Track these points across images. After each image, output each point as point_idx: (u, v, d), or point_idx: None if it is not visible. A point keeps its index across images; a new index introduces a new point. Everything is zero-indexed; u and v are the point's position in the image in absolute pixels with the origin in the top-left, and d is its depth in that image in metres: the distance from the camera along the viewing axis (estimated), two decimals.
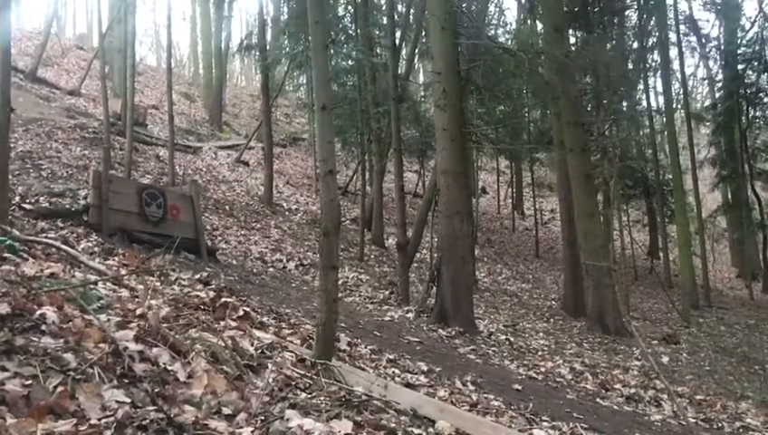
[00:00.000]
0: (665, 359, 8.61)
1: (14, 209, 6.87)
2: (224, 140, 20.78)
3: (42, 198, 7.84)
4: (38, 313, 2.51)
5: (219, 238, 10.13)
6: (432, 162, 14.99)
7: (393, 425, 2.65)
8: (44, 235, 5.84)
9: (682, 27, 17.65)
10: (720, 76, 20.80)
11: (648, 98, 17.76)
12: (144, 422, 1.94)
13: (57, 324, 2.49)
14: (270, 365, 2.98)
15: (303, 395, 2.75)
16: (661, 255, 18.37)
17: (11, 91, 5.55)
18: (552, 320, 10.88)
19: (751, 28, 18.73)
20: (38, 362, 2.10)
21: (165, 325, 2.90)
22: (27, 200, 7.52)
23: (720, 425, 5.34)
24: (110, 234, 6.87)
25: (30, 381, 1.99)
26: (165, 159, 13.60)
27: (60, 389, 2.01)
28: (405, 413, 2.98)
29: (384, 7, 15.16)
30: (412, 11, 15.04)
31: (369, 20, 14.58)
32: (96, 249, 6.08)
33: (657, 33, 15.83)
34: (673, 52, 16.86)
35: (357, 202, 16.67)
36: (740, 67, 18.64)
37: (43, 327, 2.42)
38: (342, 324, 5.59)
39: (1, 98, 5.24)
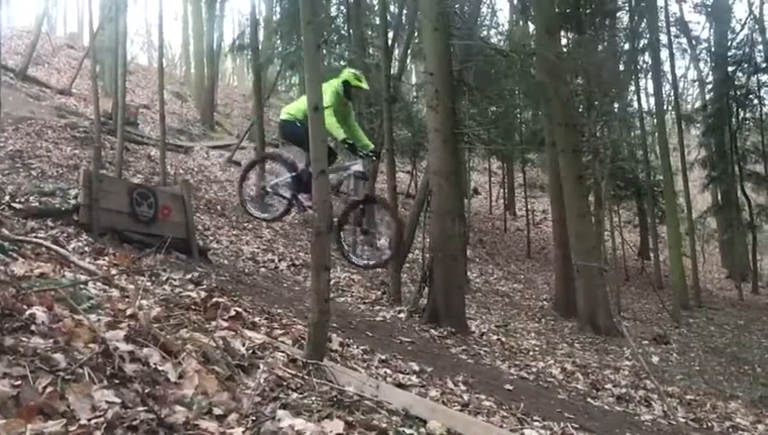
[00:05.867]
0: (655, 359, 8.67)
1: (3, 209, 6.82)
2: (215, 140, 20.72)
3: (32, 198, 7.78)
4: (28, 313, 2.49)
5: (211, 238, 10.10)
6: (424, 163, 15.00)
7: (385, 425, 2.65)
8: (34, 234, 5.80)
9: (673, 29, 17.81)
10: (710, 78, 20.99)
11: (639, 99, 17.90)
12: (134, 423, 1.93)
13: (47, 324, 2.48)
14: (261, 365, 2.97)
15: (295, 395, 2.75)
16: (652, 255, 18.47)
17: (1, 89, 5.51)
18: (543, 320, 10.92)
19: (741, 30, 18.94)
20: (27, 363, 2.09)
21: (156, 325, 2.89)
22: (17, 200, 7.46)
23: (710, 425, 5.38)
24: (100, 233, 6.83)
25: (19, 382, 1.97)
26: (156, 158, 13.54)
27: (49, 389, 1.99)
28: (396, 413, 2.98)
29: (377, 8, 15.16)
30: (405, 11, 15.03)
31: (362, 20, 14.57)
32: (86, 249, 6.05)
33: (648, 35, 15.93)
34: (664, 53, 17.00)
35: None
36: (730, 69, 18.80)
37: (33, 327, 2.40)
38: (334, 325, 5.58)
39: None
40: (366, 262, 6.48)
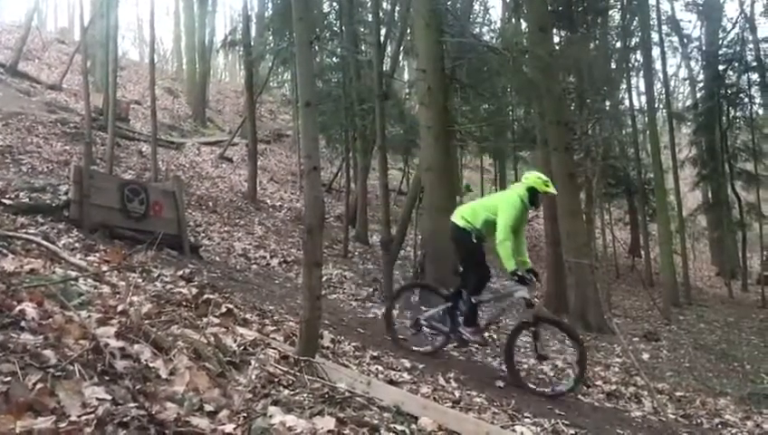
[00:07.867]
0: (645, 356, 8.71)
1: None
2: (207, 136, 20.65)
3: (22, 194, 7.73)
4: (18, 309, 2.48)
5: (202, 235, 10.07)
6: (416, 160, 15.01)
7: (376, 422, 2.66)
8: (24, 230, 5.76)
9: (664, 28, 17.87)
10: (701, 76, 21.05)
11: (630, 97, 17.97)
12: (125, 419, 1.93)
13: (37, 321, 2.47)
14: (253, 362, 2.97)
15: (286, 392, 2.75)
16: (642, 253, 18.55)
17: None
18: None
19: (732, 29, 19.00)
20: (17, 359, 2.08)
21: (147, 322, 2.88)
22: (7, 196, 7.42)
23: (699, 421, 5.41)
24: (91, 230, 6.80)
25: (9, 378, 1.97)
26: (147, 154, 13.48)
27: (39, 386, 1.99)
28: (388, 410, 2.99)
29: (369, 4, 15.16)
30: (397, 8, 15.02)
31: (355, 17, 14.56)
32: (77, 245, 6.02)
33: (639, 34, 15.98)
34: (655, 52, 17.05)
35: (341, 199, 16.65)
36: (721, 68, 18.88)
37: (23, 323, 2.40)
38: (326, 321, 5.59)
39: None
40: (544, 389, 5.40)
